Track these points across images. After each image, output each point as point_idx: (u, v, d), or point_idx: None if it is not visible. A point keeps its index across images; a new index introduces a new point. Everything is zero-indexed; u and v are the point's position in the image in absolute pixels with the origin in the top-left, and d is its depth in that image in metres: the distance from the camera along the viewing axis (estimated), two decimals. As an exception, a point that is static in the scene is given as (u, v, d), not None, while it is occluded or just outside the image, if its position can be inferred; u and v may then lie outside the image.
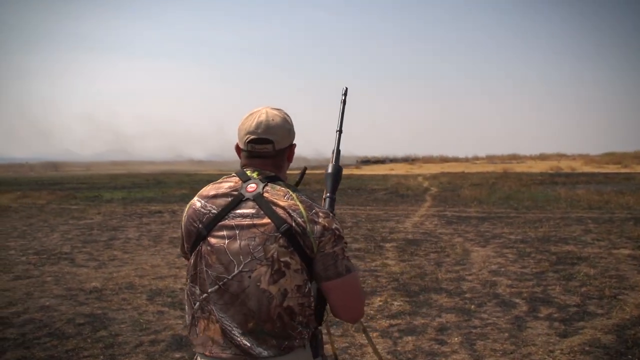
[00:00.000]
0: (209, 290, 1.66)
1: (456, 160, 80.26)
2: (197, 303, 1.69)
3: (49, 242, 10.30)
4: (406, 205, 16.78)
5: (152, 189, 27.33)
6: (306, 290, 1.66)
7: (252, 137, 1.76)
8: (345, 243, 1.74)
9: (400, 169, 51.92)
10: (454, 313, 5.42)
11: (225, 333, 1.64)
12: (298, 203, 1.68)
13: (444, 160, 78.98)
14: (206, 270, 1.67)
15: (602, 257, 7.93)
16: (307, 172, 2.09)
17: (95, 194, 24.21)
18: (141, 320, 5.28)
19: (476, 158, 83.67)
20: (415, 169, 52.05)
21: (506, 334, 4.76)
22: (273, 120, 1.77)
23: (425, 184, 27.64)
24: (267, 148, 1.77)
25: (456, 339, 4.70)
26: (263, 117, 1.77)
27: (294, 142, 1.90)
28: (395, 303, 5.80)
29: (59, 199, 21.13)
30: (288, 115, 1.86)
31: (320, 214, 1.68)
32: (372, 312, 5.46)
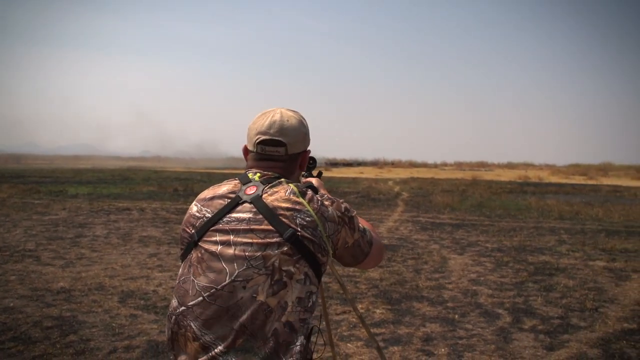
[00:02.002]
0: (190, 303, 1.47)
1: (425, 165, 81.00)
2: (174, 317, 1.51)
3: (12, 239, 9.88)
4: (379, 209, 16.73)
5: (119, 185, 26.75)
6: (309, 304, 1.48)
7: (263, 137, 1.63)
8: (355, 215, 1.64)
9: (369, 173, 52.07)
10: (437, 323, 5.32)
11: (206, 350, 1.43)
12: (301, 198, 1.53)
13: (412, 165, 79.60)
14: (192, 280, 1.49)
15: (579, 268, 7.97)
16: None
17: (60, 188, 23.56)
18: (113, 324, 5.03)
19: (445, 164, 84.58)
20: (385, 173, 52.29)
21: (493, 346, 4.68)
22: (288, 121, 1.65)
23: (396, 188, 27.71)
24: (279, 151, 1.64)
25: (443, 350, 4.59)
26: (277, 117, 1.65)
27: (309, 148, 1.77)
28: (377, 311, 5.68)
29: (21, 193, 20.46)
30: (304, 119, 1.74)
31: (326, 202, 1.56)
32: (354, 319, 5.32)
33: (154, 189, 24.15)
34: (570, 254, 9.14)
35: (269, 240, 1.46)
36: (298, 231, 1.47)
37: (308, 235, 1.48)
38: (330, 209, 1.55)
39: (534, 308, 5.86)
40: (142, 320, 5.22)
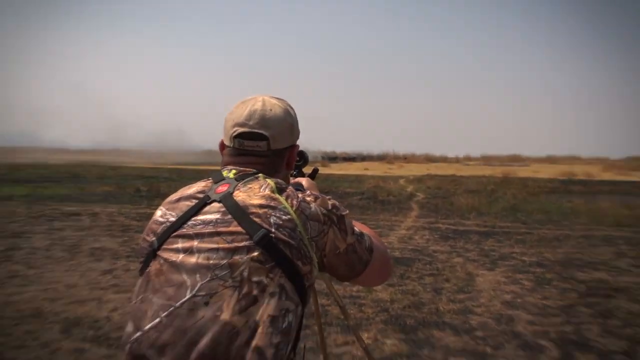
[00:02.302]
0: (146, 327, 1.40)
1: (444, 160, 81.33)
2: (128, 345, 1.43)
3: None
4: (388, 214, 16.71)
5: (66, 185, 26.70)
6: (284, 324, 1.41)
7: (241, 130, 1.66)
8: (347, 214, 1.63)
9: (376, 169, 52.29)
10: (464, 357, 5.22)
11: None
12: (277, 194, 1.52)
13: (429, 159, 79.92)
14: (150, 298, 1.43)
15: (645, 288, 7.87)
16: None
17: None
18: (53, 362, 4.92)
19: (469, 158, 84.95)
20: (395, 170, 52.49)
21: (536, 388, 4.56)
22: (271, 110, 1.68)
23: (409, 188, 27.77)
24: (260, 146, 1.67)
25: (472, 393, 4.47)
26: (258, 106, 1.68)
27: (297, 142, 1.80)
28: (388, 341, 5.58)
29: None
30: (292, 108, 1.76)
31: (308, 198, 1.56)
32: (359, 352, 5.20)
33: (111, 189, 24.20)
34: (633, 270, 9.05)
35: (237, 244, 1.45)
36: (272, 232, 1.46)
37: (284, 237, 1.47)
38: (312, 205, 1.55)
39: (589, 339, 5.74)
40: (90, 355, 5.11)
